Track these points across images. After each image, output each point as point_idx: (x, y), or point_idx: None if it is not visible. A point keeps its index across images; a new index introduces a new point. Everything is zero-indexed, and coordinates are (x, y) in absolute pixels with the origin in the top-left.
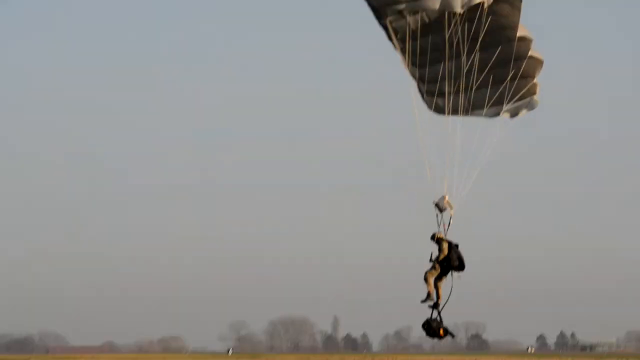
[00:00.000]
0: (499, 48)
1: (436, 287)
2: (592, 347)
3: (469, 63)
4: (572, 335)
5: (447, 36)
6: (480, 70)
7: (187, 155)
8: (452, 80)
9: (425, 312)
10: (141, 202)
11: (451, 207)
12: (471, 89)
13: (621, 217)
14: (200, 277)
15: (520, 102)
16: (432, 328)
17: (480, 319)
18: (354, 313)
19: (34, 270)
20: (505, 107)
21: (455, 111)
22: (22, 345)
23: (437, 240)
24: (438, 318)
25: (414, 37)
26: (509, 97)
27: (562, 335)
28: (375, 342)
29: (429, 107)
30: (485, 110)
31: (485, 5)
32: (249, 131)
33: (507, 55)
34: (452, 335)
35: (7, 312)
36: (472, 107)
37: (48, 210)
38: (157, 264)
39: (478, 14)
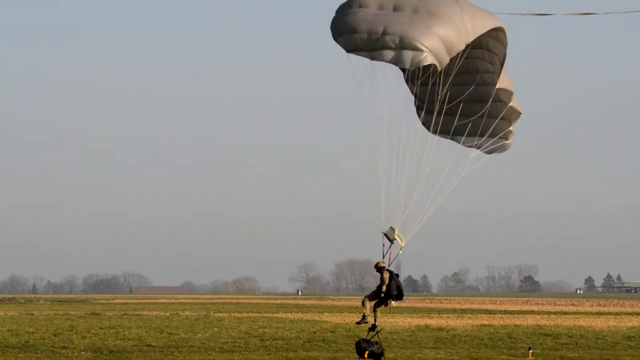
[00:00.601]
0: (479, 88)
1: (375, 311)
2: (636, 289)
3: (452, 93)
4: (618, 277)
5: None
6: (461, 102)
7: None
8: (435, 104)
9: (482, 260)
10: (213, 155)
11: (401, 240)
12: (453, 115)
13: None
14: (272, 223)
15: (496, 143)
16: (360, 348)
17: (533, 262)
18: (415, 256)
19: (120, 216)
20: (479, 141)
21: (436, 131)
22: (108, 285)
23: (379, 269)
24: (374, 341)
25: None
26: (485, 133)
27: (608, 278)
28: (435, 284)
29: (419, 118)
30: (463, 138)
31: (459, 56)
32: None
33: (486, 97)
34: None
35: (94, 255)
36: (453, 133)
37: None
38: (231, 211)
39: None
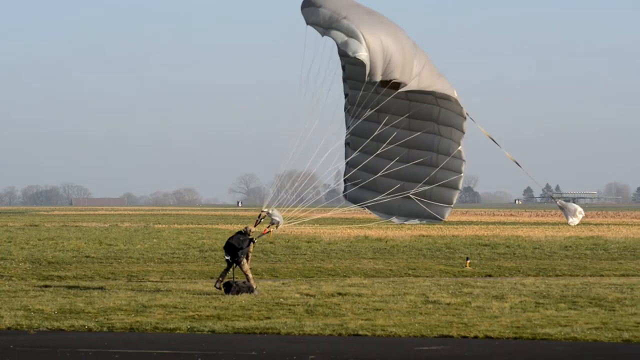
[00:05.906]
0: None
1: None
2: (575, 199)
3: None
4: (557, 188)
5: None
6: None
7: None
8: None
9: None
10: (157, 59)
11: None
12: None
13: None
14: (213, 133)
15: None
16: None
17: (472, 172)
18: None
19: (59, 126)
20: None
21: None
22: (47, 196)
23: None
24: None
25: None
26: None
27: (547, 188)
28: None
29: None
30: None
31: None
32: None
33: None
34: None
35: (33, 165)
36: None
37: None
38: (171, 121)
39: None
